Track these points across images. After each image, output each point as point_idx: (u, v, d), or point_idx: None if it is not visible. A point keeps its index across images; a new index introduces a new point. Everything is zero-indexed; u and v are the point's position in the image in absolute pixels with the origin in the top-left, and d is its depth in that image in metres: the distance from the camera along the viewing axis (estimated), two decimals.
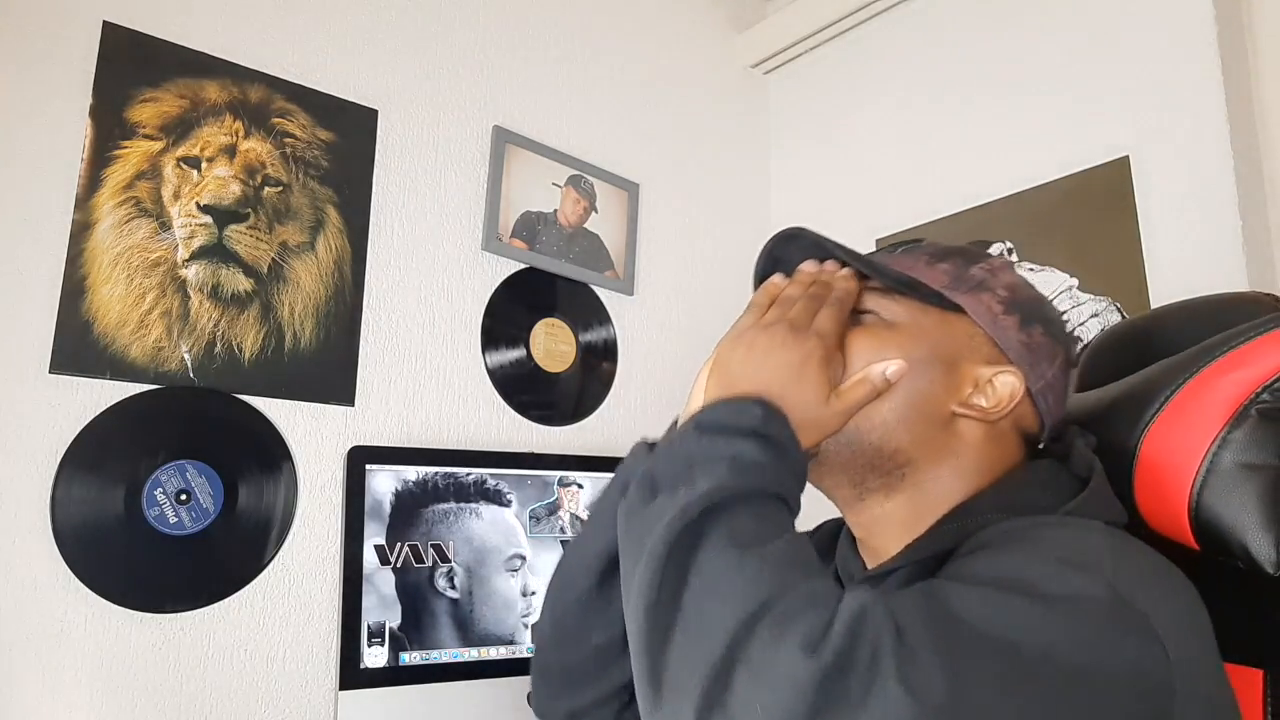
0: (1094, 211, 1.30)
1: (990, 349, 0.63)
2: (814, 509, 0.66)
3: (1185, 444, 0.61)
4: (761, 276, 0.69)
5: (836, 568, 0.72)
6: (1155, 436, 0.63)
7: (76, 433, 1.00)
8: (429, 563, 1.11)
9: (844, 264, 0.65)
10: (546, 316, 1.44)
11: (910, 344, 0.61)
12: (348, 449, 1.14)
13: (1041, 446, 0.66)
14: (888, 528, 0.64)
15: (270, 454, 1.13)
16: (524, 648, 1.13)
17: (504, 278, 1.40)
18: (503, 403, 1.36)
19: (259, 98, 1.19)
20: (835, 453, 0.62)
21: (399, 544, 1.10)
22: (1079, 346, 0.77)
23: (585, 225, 1.50)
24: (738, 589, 0.44)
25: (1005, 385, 0.62)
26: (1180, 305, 0.78)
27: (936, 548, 0.59)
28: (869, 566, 0.66)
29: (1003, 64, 1.47)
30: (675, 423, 0.65)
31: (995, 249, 1.40)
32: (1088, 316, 1.28)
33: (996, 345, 0.63)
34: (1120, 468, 0.64)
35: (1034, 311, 0.64)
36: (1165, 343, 0.69)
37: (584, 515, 1.23)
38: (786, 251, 0.67)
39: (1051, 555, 0.50)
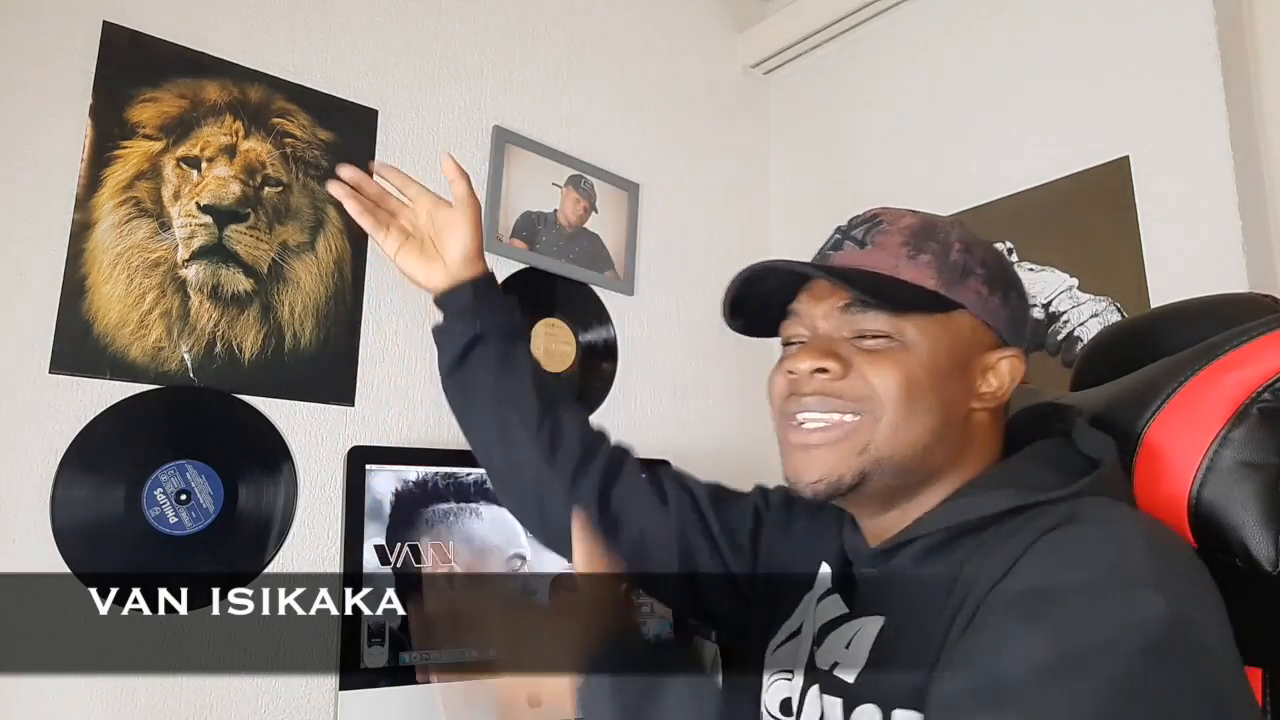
0: (1094, 211, 1.30)
1: (987, 333, 0.65)
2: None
3: (1186, 441, 0.61)
4: (733, 305, 0.69)
5: (844, 547, 0.72)
6: (1156, 433, 0.63)
7: (76, 433, 1.00)
8: (429, 563, 1.11)
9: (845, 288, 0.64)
10: (546, 316, 1.44)
11: (930, 361, 0.62)
12: (348, 449, 1.13)
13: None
14: (904, 520, 0.64)
15: (270, 454, 1.13)
16: None
17: (504, 278, 1.40)
18: None
19: (259, 98, 1.18)
20: (880, 483, 0.62)
21: (399, 544, 1.10)
22: (1078, 346, 0.77)
23: (585, 225, 1.50)
24: None
25: (1008, 368, 0.64)
26: (1180, 305, 0.78)
27: (949, 522, 0.60)
28: (871, 543, 0.67)
29: (1003, 64, 1.47)
30: None
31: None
32: (1088, 316, 1.28)
33: (991, 328, 0.65)
34: (1120, 464, 0.64)
35: (1004, 275, 0.67)
36: (1164, 342, 0.69)
37: None
38: (765, 281, 0.67)
39: (1100, 570, 0.50)
